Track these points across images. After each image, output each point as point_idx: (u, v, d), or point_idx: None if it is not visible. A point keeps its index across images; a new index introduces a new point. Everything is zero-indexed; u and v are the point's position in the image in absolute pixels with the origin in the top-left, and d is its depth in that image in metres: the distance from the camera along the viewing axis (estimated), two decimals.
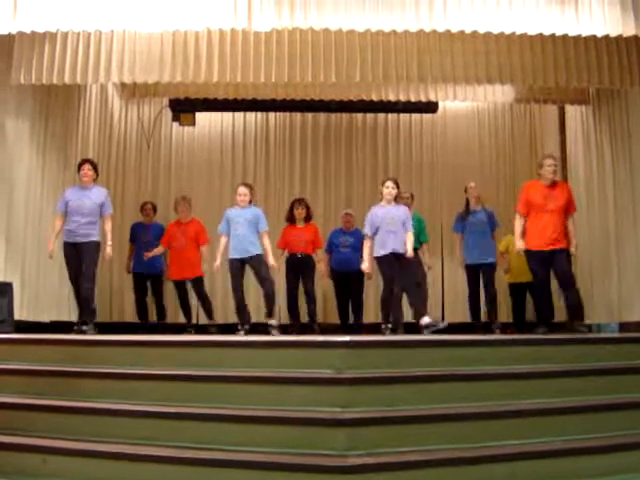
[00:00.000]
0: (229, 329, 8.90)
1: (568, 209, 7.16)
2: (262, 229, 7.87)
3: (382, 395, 4.54)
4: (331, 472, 3.99)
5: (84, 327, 7.22)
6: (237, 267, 7.73)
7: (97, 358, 5.24)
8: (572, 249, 7.15)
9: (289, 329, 8.92)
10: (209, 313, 8.99)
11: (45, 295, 8.34)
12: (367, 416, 4.36)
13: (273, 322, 7.80)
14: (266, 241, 7.88)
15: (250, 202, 7.99)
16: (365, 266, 7.58)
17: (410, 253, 7.36)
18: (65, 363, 5.26)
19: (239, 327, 7.79)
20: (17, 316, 7.41)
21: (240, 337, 6.78)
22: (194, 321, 9.43)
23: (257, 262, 7.76)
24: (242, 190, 7.99)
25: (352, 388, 4.54)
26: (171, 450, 4.34)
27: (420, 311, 7.37)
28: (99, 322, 7.69)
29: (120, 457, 4.36)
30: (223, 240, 7.89)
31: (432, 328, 7.23)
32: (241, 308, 7.82)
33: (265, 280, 7.80)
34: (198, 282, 8.86)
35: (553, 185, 7.19)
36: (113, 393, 4.89)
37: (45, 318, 8.26)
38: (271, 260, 7.89)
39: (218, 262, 7.87)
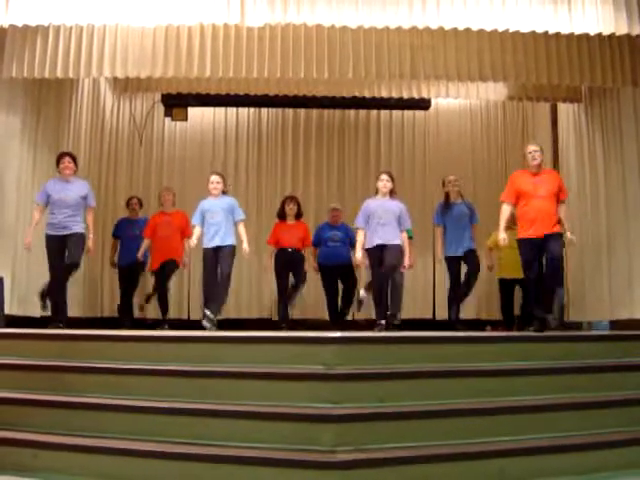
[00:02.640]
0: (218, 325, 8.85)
1: (561, 195, 6.92)
2: (238, 218, 7.78)
3: (372, 391, 4.55)
4: (320, 468, 4.00)
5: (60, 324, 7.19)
6: (211, 257, 7.59)
7: (88, 353, 5.23)
8: (568, 234, 6.95)
9: (280, 325, 8.89)
10: (164, 309, 8.80)
11: (36, 290, 8.29)
12: (357, 412, 4.36)
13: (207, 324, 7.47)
14: (242, 229, 7.77)
15: (223, 192, 7.90)
16: (358, 255, 7.59)
17: (407, 261, 7.48)
18: (56, 358, 5.24)
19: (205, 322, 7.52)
20: (7, 311, 7.42)
21: (232, 333, 6.77)
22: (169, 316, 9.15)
23: (227, 253, 7.61)
24: (215, 178, 7.90)
25: (342, 384, 4.55)
26: (162, 445, 4.34)
27: (394, 311, 7.45)
28: (90, 317, 7.69)
29: (112, 452, 4.35)
30: (197, 230, 7.77)
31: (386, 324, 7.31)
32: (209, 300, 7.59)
33: (226, 275, 7.61)
34: (171, 267, 8.73)
35: (540, 172, 6.96)
36: (105, 388, 4.88)
37: (36, 313, 8.22)
38: (245, 245, 7.67)
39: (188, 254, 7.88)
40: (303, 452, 4.14)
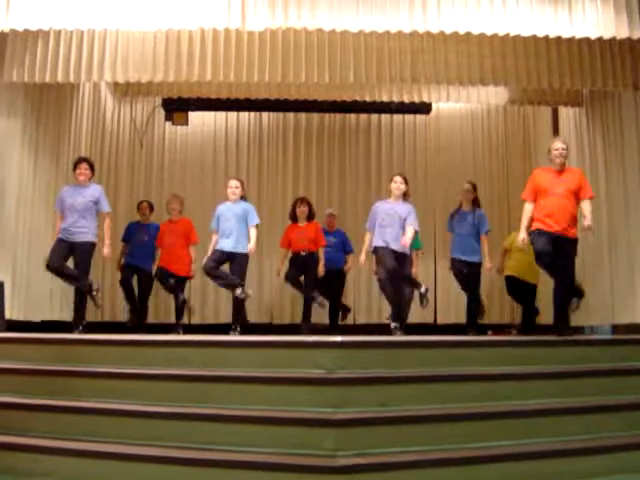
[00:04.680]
0: (219, 329, 8.85)
1: (582, 194, 6.66)
2: (252, 222, 7.78)
3: (373, 396, 4.54)
4: (321, 472, 3.99)
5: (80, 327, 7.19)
6: (219, 256, 7.63)
7: (90, 357, 5.23)
8: (586, 224, 6.52)
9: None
10: (180, 314, 8.83)
11: (36, 295, 8.31)
12: (358, 417, 4.36)
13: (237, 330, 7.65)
14: (253, 232, 7.76)
15: (242, 197, 7.93)
16: (362, 258, 7.57)
17: (405, 241, 7.29)
18: (57, 362, 5.24)
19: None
20: (8, 315, 7.39)
21: (233, 337, 6.77)
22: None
23: (238, 262, 7.67)
24: (233, 183, 7.93)
25: (343, 388, 4.54)
26: (163, 450, 4.34)
27: (398, 314, 7.37)
28: (91, 321, 7.65)
29: (112, 457, 4.35)
30: (214, 237, 7.83)
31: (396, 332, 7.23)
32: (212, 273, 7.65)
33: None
34: (181, 282, 8.78)
35: (563, 170, 6.76)
36: (106, 393, 4.88)
37: (36, 317, 8.23)
38: (251, 245, 7.69)
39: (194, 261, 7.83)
40: (304, 456, 4.13)
